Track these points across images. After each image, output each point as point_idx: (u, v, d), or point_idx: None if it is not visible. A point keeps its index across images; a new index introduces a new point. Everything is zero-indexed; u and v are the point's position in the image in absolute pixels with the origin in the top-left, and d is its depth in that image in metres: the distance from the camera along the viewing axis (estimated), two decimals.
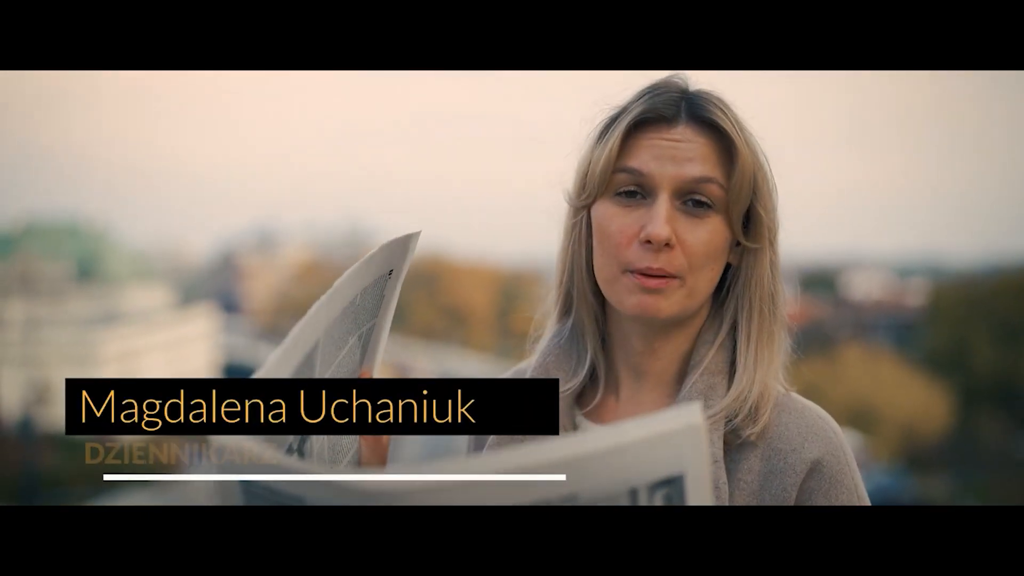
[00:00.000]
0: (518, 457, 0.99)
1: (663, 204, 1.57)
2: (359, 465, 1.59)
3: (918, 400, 39.98)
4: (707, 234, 1.58)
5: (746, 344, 1.62)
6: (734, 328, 1.64)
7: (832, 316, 54.67)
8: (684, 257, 1.57)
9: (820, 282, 63.71)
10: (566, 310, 1.72)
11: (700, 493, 1.05)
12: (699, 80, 1.66)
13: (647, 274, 1.57)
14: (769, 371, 1.62)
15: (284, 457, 1.06)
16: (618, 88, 1.67)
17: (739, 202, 1.60)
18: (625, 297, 1.59)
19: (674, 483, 1.03)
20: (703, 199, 1.58)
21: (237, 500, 1.09)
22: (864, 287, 65.21)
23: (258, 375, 1.23)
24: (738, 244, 1.63)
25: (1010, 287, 44.41)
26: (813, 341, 45.94)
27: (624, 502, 1.02)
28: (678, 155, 1.58)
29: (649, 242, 1.56)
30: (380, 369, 1.61)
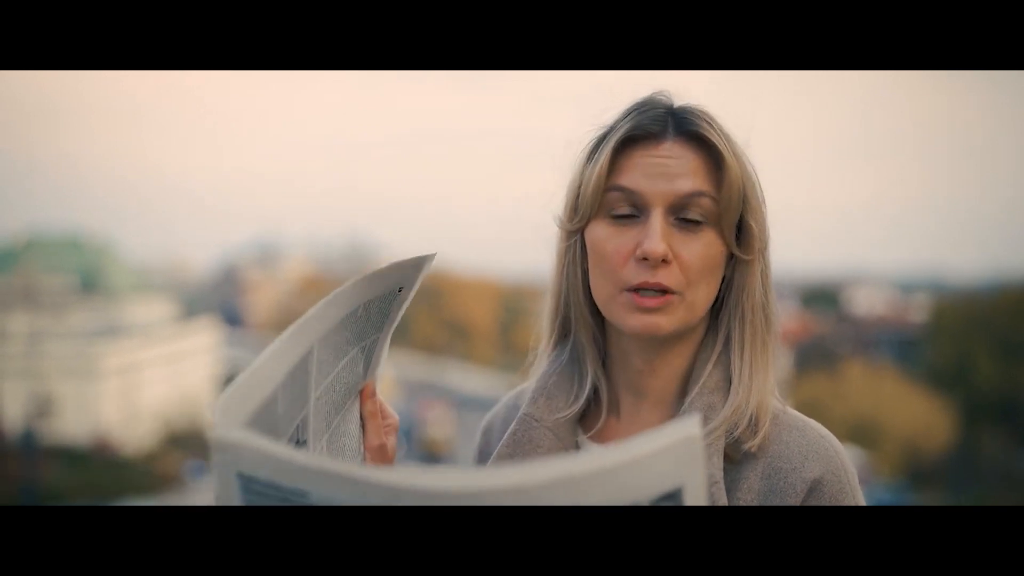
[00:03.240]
0: (516, 477, 0.99)
1: (657, 220, 1.56)
2: None
3: (920, 416, 39.92)
4: (703, 248, 1.58)
5: (740, 357, 1.61)
6: (729, 341, 1.64)
7: (834, 332, 54.60)
8: (681, 272, 1.57)
9: (823, 298, 63.73)
10: (564, 333, 1.71)
11: (697, 503, 1.05)
12: (693, 89, 1.65)
13: (644, 290, 1.56)
14: (766, 382, 1.61)
15: (291, 451, 1.05)
16: (623, 95, 1.66)
17: (730, 214, 1.59)
18: (624, 317, 1.59)
19: (673, 496, 1.03)
20: (696, 213, 1.58)
21: (236, 499, 1.08)
22: (867, 303, 65.18)
23: (247, 374, 1.21)
24: (731, 257, 1.62)
25: (1012, 303, 44.38)
26: (816, 357, 45.84)
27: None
28: (669, 171, 1.57)
29: (646, 259, 1.55)
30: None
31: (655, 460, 1.01)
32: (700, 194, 1.57)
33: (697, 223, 1.58)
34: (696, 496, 1.03)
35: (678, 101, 1.64)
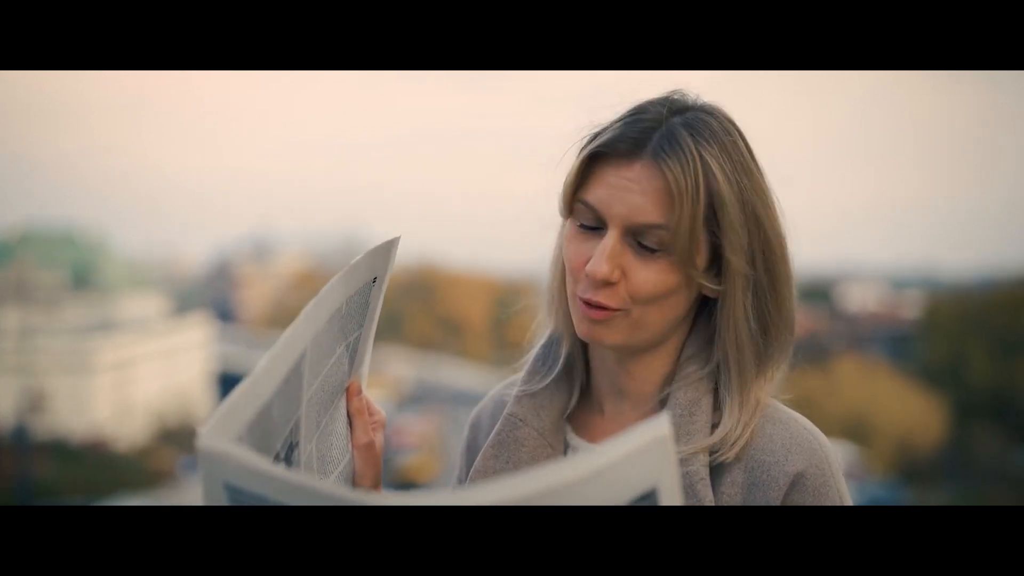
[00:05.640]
0: (495, 492, 0.99)
1: (609, 241, 1.54)
2: (352, 477, 1.58)
3: (913, 413, 39.95)
4: (655, 275, 1.55)
5: (727, 389, 1.59)
6: (718, 361, 1.60)
7: (827, 328, 54.62)
8: (627, 293, 1.55)
9: (815, 294, 63.71)
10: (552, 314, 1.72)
11: (672, 502, 1.05)
12: (705, 92, 1.61)
13: (589, 304, 1.56)
14: (756, 411, 1.58)
15: (272, 467, 1.05)
16: (615, 97, 1.64)
17: (680, 247, 1.54)
18: (576, 322, 1.60)
19: (649, 497, 1.03)
20: (652, 242, 1.54)
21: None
22: (859, 299, 65.20)
23: (246, 383, 1.21)
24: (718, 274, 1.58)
25: (1005, 299, 44.42)
26: (808, 353, 45.81)
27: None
28: (629, 197, 1.54)
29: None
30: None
31: (628, 464, 1.01)
32: (656, 227, 1.53)
33: (653, 250, 1.55)
34: (671, 494, 1.03)
35: (683, 104, 1.59)
